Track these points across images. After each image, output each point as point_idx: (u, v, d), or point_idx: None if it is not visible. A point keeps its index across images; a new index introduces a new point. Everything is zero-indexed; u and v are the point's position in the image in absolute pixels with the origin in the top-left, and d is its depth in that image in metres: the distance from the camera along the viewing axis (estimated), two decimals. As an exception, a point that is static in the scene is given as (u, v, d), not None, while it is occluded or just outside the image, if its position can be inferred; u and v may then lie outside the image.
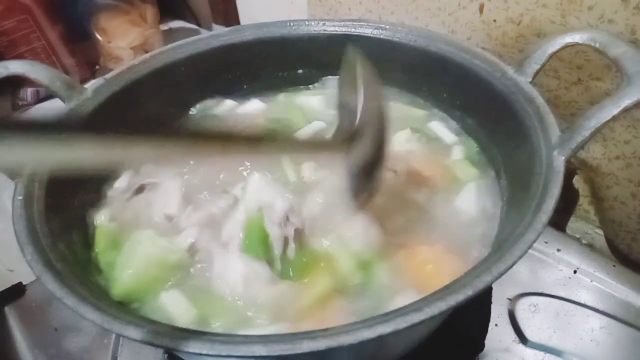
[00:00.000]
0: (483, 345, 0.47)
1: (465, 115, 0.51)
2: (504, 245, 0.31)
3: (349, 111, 0.36)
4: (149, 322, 0.29)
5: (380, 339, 0.26)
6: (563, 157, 0.35)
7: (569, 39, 0.41)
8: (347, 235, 0.40)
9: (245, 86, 0.61)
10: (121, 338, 0.49)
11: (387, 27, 0.54)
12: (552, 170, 0.35)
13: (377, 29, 0.54)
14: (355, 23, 0.55)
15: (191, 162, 0.47)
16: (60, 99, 0.47)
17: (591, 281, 0.52)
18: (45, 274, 0.31)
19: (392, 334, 0.26)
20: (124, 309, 0.36)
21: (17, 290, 0.55)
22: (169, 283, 0.38)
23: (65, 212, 0.41)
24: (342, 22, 0.56)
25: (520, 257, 0.30)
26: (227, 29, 0.58)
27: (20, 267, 0.44)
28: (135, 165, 0.48)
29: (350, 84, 0.36)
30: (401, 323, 0.27)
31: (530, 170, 0.37)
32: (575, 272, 0.53)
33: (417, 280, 0.38)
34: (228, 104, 0.59)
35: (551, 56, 0.42)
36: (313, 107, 0.58)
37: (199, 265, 0.40)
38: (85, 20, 0.98)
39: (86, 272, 0.38)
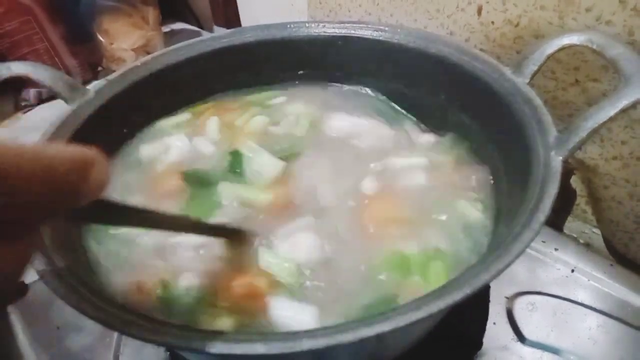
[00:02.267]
0: (481, 344, 0.47)
1: (463, 116, 0.52)
2: (502, 244, 0.32)
3: None
4: (150, 321, 0.30)
5: (380, 337, 0.27)
6: (560, 158, 0.36)
7: (567, 40, 0.42)
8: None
9: (246, 87, 0.61)
10: (123, 337, 0.50)
11: (386, 28, 0.54)
12: (550, 170, 0.35)
13: (377, 31, 0.54)
14: (354, 25, 0.56)
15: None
16: (63, 99, 0.47)
17: (588, 280, 0.52)
18: (47, 273, 0.32)
19: (391, 332, 0.27)
20: (125, 307, 0.36)
21: (19, 289, 0.55)
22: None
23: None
24: (342, 24, 0.56)
25: (517, 257, 0.30)
26: (228, 30, 0.58)
27: (23, 267, 0.45)
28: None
29: None
30: (400, 321, 0.27)
31: (527, 170, 0.37)
32: (572, 271, 0.53)
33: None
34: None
35: (549, 57, 0.42)
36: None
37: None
38: (87, 22, 0.98)
39: (88, 271, 0.39)
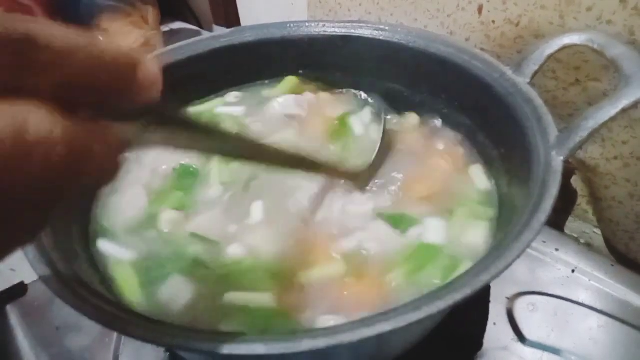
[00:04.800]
0: (482, 344, 0.47)
1: (463, 116, 0.51)
2: (502, 244, 0.32)
3: None
4: (150, 321, 0.30)
5: (380, 337, 0.27)
6: (561, 158, 0.36)
7: (567, 40, 0.41)
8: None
9: (246, 87, 0.61)
10: (123, 337, 0.50)
11: (387, 28, 0.54)
12: (551, 170, 0.35)
13: (377, 30, 0.54)
14: (354, 24, 0.56)
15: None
16: (62, 99, 0.47)
17: (589, 280, 0.52)
18: (47, 272, 0.32)
19: (391, 332, 0.27)
20: (125, 308, 0.36)
21: (19, 290, 0.55)
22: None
23: (66, 210, 0.41)
24: (342, 24, 0.56)
25: (518, 257, 0.30)
26: (228, 30, 0.58)
27: (22, 267, 0.45)
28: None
29: None
30: (401, 322, 0.27)
31: (528, 170, 0.37)
32: (573, 271, 0.53)
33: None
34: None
35: (549, 57, 0.42)
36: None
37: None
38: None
39: (88, 270, 0.39)
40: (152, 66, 0.21)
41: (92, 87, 0.19)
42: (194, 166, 0.49)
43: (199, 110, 0.58)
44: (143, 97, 0.21)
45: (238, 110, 0.57)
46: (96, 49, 0.19)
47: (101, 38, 0.19)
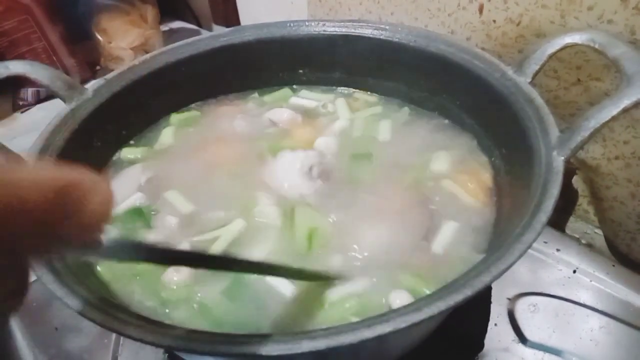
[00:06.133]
0: (482, 345, 0.47)
1: (464, 116, 0.51)
2: (503, 245, 0.31)
3: None
4: (149, 322, 0.30)
5: (380, 338, 0.26)
6: (562, 158, 0.35)
7: (569, 39, 0.41)
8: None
9: (245, 87, 0.61)
10: (121, 338, 0.49)
11: (387, 27, 0.54)
12: (552, 170, 0.35)
13: (377, 30, 0.54)
14: (355, 23, 0.55)
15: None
16: (61, 99, 0.47)
17: (590, 281, 0.52)
18: (45, 273, 0.31)
19: (391, 333, 0.27)
20: (124, 308, 0.36)
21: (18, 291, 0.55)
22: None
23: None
24: (342, 23, 0.56)
25: (519, 257, 0.30)
26: (228, 29, 0.58)
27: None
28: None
29: None
30: (401, 323, 0.27)
31: (529, 170, 0.37)
32: (574, 272, 0.53)
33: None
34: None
35: (551, 56, 0.42)
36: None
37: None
38: (85, 21, 0.98)
39: (86, 271, 0.39)
40: (102, 193, 0.18)
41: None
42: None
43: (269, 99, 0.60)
44: (85, 231, 0.18)
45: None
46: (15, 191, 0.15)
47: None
